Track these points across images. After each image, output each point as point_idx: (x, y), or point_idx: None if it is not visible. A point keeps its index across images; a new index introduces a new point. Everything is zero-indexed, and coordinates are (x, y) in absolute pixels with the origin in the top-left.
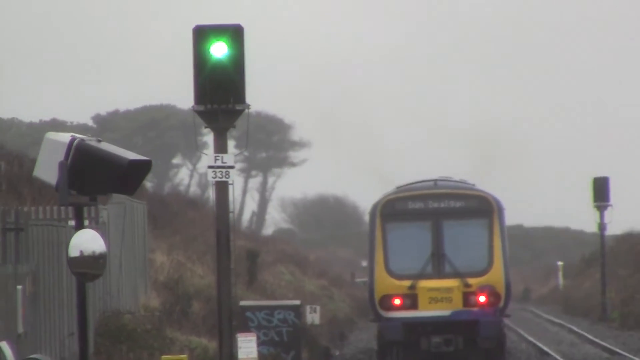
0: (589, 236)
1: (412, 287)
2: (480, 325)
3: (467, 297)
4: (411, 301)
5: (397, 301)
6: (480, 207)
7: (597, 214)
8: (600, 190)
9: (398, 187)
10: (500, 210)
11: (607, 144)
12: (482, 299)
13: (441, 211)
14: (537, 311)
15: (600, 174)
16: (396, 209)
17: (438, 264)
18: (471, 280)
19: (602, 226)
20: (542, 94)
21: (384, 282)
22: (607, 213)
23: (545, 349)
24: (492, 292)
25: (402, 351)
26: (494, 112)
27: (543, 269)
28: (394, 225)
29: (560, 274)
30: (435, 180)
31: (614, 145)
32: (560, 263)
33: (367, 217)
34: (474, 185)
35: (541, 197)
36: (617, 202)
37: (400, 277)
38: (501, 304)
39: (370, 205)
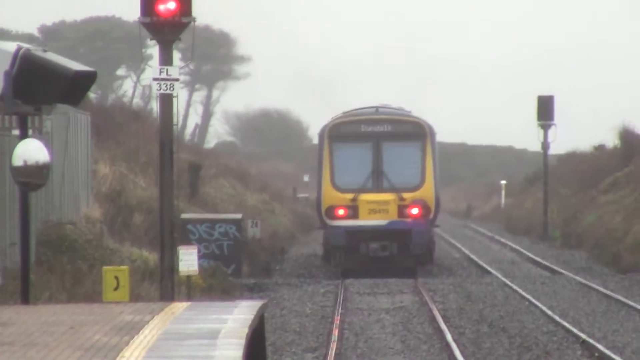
0: (532, 155)
1: (354, 200)
2: (413, 233)
3: (402, 209)
4: (353, 212)
5: (340, 211)
6: (415, 131)
7: (540, 132)
8: (545, 108)
9: (344, 112)
10: (432, 134)
11: (552, 64)
12: (414, 211)
13: (381, 134)
14: (479, 229)
15: (546, 92)
16: (342, 131)
17: (377, 180)
18: (405, 195)
19: (545, 145)
20: (490, 10)
21: (330, 195)
22: (551, 132)
23: (487, 267)
24: (423, 206)
25: (344, 255)
26: (440, 31)
27: (486, 187)
28: (339, 145)
29: (503, 192)
30: (377, 107)
31: (559, 64)
32: (503, 182)
33: (310, 133)
34: (410, 112)
35: (485, 115)
36: (561, 121)
37: (344, 191)
38: (431, 216)
39: (314, 122)
